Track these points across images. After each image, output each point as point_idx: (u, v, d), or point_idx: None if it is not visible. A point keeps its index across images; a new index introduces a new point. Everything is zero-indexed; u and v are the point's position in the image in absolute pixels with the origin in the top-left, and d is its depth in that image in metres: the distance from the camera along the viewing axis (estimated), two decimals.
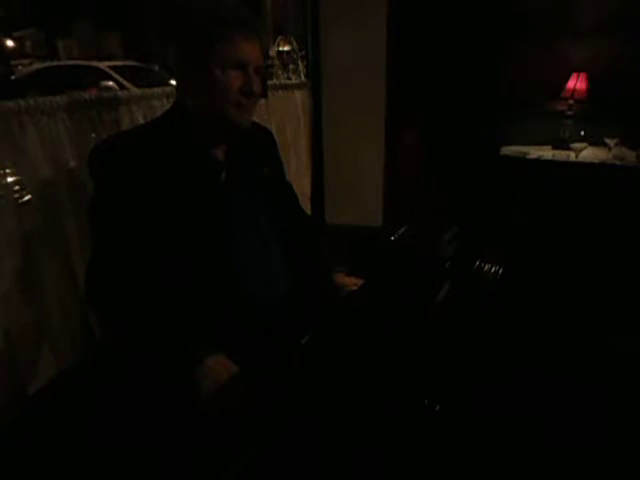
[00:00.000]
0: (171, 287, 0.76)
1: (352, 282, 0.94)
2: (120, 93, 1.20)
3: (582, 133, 2.46)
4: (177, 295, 0.76)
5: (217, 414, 0.67)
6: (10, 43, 9.70)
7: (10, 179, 0.91)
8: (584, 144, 2.35)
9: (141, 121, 1.17)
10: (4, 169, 0.90)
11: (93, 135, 1.06)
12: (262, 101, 0.84)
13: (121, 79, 5.30)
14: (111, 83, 5.14)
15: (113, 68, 5.56)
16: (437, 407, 0.61)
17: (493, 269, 0.80)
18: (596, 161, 2.32)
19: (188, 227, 0.77)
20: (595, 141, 2.40)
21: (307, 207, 2.19)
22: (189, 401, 0.68)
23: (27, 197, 0.93)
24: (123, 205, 0.75)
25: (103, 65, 5.63)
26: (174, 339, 0.71)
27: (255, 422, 0.60)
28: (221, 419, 0.67)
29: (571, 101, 2.51)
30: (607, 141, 2.35)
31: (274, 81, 2.06)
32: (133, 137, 0.82)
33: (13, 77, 6.12)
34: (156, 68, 6.32)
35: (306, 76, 2.21)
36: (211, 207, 0.80)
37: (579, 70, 2.47)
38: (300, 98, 2.13)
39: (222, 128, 0.82)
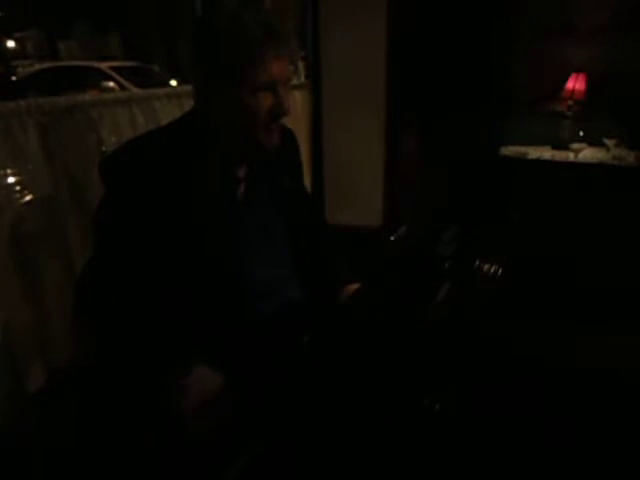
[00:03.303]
0: (171, 298, 0.74)
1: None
2: (121, 94, 1.20)
3: (581, 133, 2.47)
4: (175, 306, 0.74)
5: (199, 428, 0.67)
6: (11, 44, 9.72)
7: (11, 179, 0.91)
8: (583, 144, 2.35)
9: (141, 122, 1.17)
10: (5, 169, 0.90)
11: (94, 136, 1.07)
12: None
13: (122, 80, 5.31)
14: (112, 84, 5.15)
15: (114, 69, 5.56)
16: (437, 407, 0.61)
17: (493, 269, 0.80)
18: (595, 161, 2.32)
19: (199, 241, 0.75)
20: (594, 141, 2.41)
21: None
22: (172, 414, 0.67)
23: (28, 197, 0.93)
24: (134, 218, 0.72)
25: (104, 66, 5.64)
26: (157, 352, 0.70)
27: (252, 424, 0.60)
28: (205, 432, 0.66)
29: (570, 101, 2.51)
30: (606, 141, 2.36)
31: None
32: (148, 147, 0.77)
33: (14, 78, 6.13)
34: (156, 68, 6.33)
35: (306, 77, 2.21)
36: (225, 222, 0.77)
37: (578, 71, 2.47)
38: (300, 99, 2.14)
39: (248, 149, 0.78)
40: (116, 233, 0.74)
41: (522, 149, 2.50)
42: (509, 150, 2.52)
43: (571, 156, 2.36)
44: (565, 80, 2.50)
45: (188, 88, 1.36)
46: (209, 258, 0.76)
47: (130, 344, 0.72)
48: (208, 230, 0.76)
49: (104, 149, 1.08)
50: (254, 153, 0.80)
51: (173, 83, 5.44)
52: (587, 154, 2.36)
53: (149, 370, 0.71)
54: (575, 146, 2.34)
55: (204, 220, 0.75)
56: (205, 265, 0.75)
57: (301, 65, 2.22)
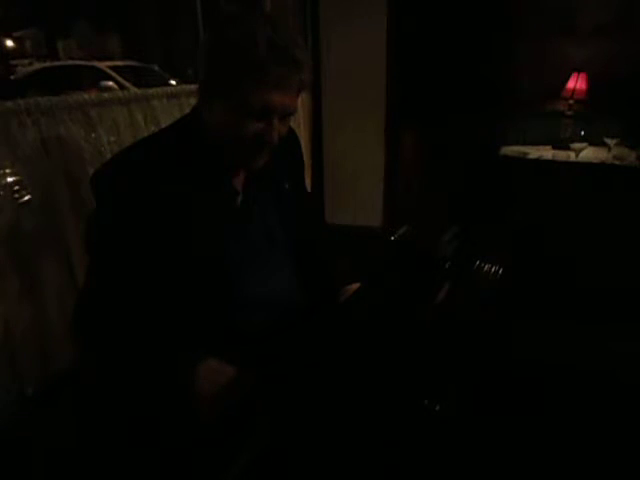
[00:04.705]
0: (169, 303, 0.73)
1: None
2: (120, 93, 1.20)
3: (582, 133, 2.47)
4: (174, 310, 0.73)
5: (215, 418, 0.67)
6: (10, 43, 9.70)
7: (10, 179, 0.91)
8: (584, 144, 2.35)
9: (141, 121, 1.17)
10: (4, 169, 0.90)
11: (93, 135, 1.07)
12: None
13: (121, 79, 5.31)
14: (111, 83, 5.15)
15: (113, 68, 5.57)
16: (437, 407, 0.61)
17: (493, 269, 0.80)
18: (596, 161, 2.32)
19: (195, 255, 0.73)
20: (595, 141, 2.40)
21: None
22: (186, 407, 0.68)
23: (27, 197, 0.93)
24: (127, 233, 0.70)
25: (103, 65, 5.64)
26: (166, 351, 0.70)
27: (254, 423, 0.60)
28: (219, 422, 0.67)
29: (571, 101, 2.51)
30: (607, 141, 2.35)
31: None
32: (140, 158, 0.72)
33: (13, 77, 6.13)
34: (156, 68, 6.33)
35: None
36: (222, 235, 0.75)
37: (579, 70, 2.47)
38: (300, 98, 2.13)
39: (235, 163, 0.76)
40: (110, 249, 0.72)
41: (523, 149, 2.50)
42: (510, 150, 2.52)
43: (572, 156, 2.36)
44: (566, 80, 2.50)
45: (188, 87, 1.36)
46: (205, 271, 0.74)
47: (135, 349, 0.71)
48: (204, 244, 0.74)
49: (103, 149, 1.08)
50: (242, 167, 0.78)
51: (173, 83, 5.44)
52: (588, 154, 2.36)
53: (158, 366, 0.70)
54: (576, 146, 2.34)
55: (200, 234, 0.73)
56: (202, 279, 0.74)
57: None
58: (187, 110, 0.82)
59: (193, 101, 0.82)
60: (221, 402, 0.68)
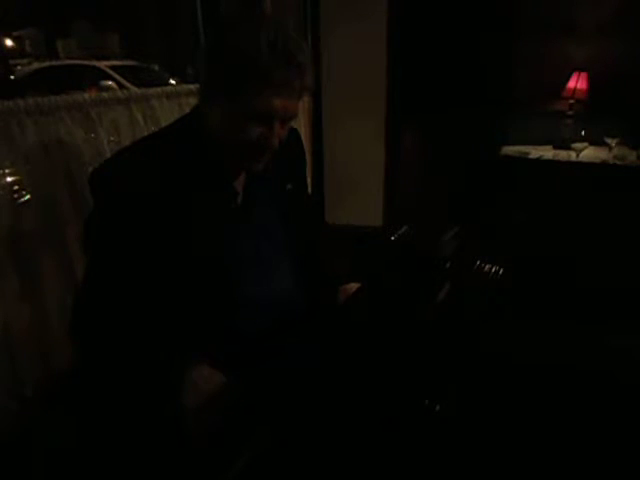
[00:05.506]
0: (166, 309, 0.72)
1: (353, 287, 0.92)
2: (120, 93, 1.20)
3: (583, 133, 2.46)
4: (170, 316, 0.72)
5: (203, 427, 0.67)
6: (9, 43, 9.70)
7: (9, 179, 0.91)
8: (585, 144, 2.35)
9: (141, 121, 1.16)
10: (4, 169, 0.90)
11: (93, 135, 1.06)
12: None
13: (121, 79, 5.31)
14: (111, 83, 5.15)
15: (113, 68, 5.57)
16: (437, 407, 0.61)
17: (493, 269, 0.80)
18: (597, 161, 2.32)
19: (193, 257, 0.73)
20: (596, 141, 2.40)
21: None
22: (173, 412, 0.67)
23: (26, 197, 0.93)
24: (125, 233, 0.70)
25: (102, 65, 5.65)
26: (160, 354, 0.70)
27: (254, 424, 0.60)
28: (209, 431, 0.66)
29: (572, 101, 2.51)
30: (608, 141, 2.35)
31: None
32: (138, 159, 0.72)
33: (12, 77, 6.12)
34: (156, 67, 6.34)
35: None
36: (221, 236, 0.75)
37: (580, 70, 2.47)
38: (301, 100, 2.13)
39: (235, 165, 0.76)
40: (108, 249, 0.71)
41: (523, 148, 2.49)
42: (510, 150, 2.52)
43: (573, 155, 2.35)
44: (567, 79, 2.49)
45: (187, 87, 1.36)
46: (205, 272, 0.74)
47: (130, 350, 0.71)
48: (204, 244, 0.73)
49: (103, 149, 1.08)
50: (242, 169, 0.78)
51: (173, 82, 5.44)
52: (589, 153, 2.36)
53: (150, 372, 0.70)
54: (577, 145, 2.33)
55: (200, 234, 0.73)
56: (201, 279, 0.74)
57: None
58: (187, 110, 0.82)
59: (193, 101, 0.81)
60: (210, 410, 0.67)
